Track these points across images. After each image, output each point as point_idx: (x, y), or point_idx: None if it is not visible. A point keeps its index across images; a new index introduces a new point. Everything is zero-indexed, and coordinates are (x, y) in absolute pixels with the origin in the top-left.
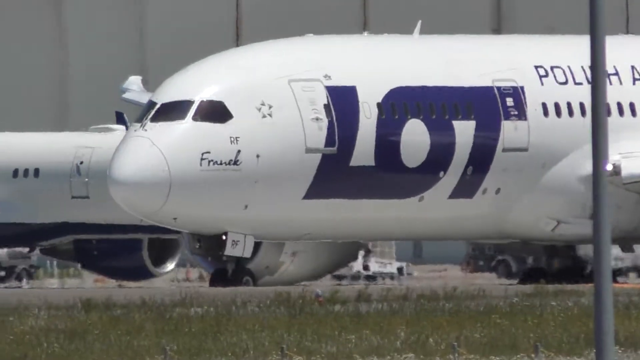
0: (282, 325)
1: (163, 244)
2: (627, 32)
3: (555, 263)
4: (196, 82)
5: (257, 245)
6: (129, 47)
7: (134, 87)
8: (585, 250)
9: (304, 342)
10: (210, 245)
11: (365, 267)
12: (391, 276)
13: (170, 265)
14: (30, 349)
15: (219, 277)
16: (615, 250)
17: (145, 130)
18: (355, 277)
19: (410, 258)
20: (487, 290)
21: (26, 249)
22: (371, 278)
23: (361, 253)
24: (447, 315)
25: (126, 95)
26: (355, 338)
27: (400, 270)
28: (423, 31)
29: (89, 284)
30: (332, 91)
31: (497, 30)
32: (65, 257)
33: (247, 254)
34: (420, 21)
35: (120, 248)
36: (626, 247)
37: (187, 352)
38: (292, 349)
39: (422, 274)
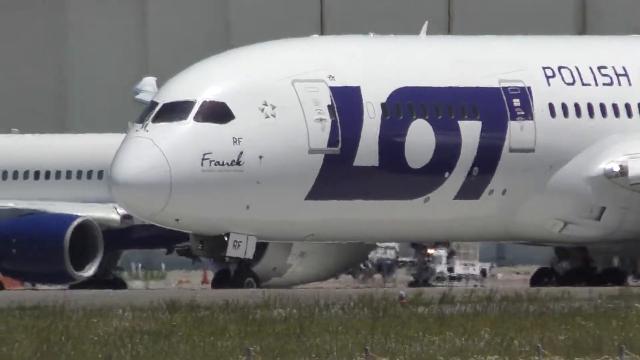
0: (366, 326)
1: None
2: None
3: (565, 264)
4: (198, 83)
5: (263, 247)
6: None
7: (148, 88)
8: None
9: (387, 343)
10: (213, 246)
11: (450, 269)
12: (475, 278)
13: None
14: (114, 350)
15: (222, 279)
16: None
17: (147, 130)
18: (440, 278)
19: (493, 259)
20: (571, 292)
21: (162, 250)
22: (455, 279)
23: (444, 254)
24: (531, 317)
25: (140, 96)
26: (439, 339)
27: (483, 271)
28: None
29: (173, 285)
30: (336, 92)
31: (582, 31)
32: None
33: (249, 254)
34: (426, 22)
35: None
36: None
37: (271, 353)
38: (376, 351)
39: (506, 276)
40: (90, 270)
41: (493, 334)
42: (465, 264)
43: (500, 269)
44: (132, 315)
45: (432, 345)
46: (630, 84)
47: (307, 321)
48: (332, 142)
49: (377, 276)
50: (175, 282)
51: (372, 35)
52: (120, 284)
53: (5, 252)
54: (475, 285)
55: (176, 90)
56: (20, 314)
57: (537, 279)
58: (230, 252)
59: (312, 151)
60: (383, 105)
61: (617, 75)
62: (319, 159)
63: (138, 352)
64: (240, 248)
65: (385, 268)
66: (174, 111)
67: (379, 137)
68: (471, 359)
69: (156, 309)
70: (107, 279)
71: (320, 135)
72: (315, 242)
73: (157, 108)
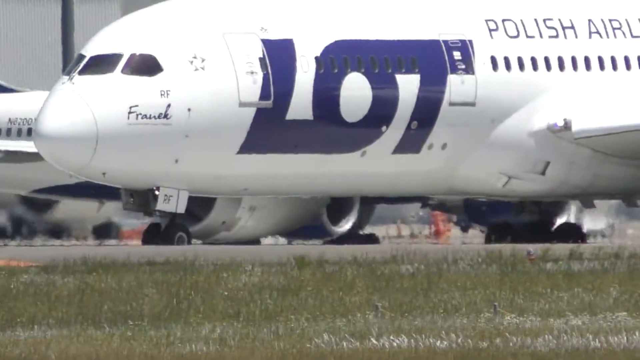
0: (494, 283)
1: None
2: None
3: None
4: (126, 35)
5: (212, 201)
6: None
7: None
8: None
9: (515, 299)
10: (143, 200)
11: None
12: (602, 234)
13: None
14: (243, 305)
15: (153, 233)
16: None
17: (73, 83)
18: None
19: (623, 216)
20: None
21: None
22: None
23: (573, 210)
24: None
25: None
26: (568, 296)
27: (612, 227)
28: None
29: None
30: (268, 44)
31: None
32: (455, 212)
33: (181, 209)
34: None
35: None
36: (587, 203)
37: (398, 308)
38: (504, 307)
39: (636, 232)
40: (346, 226)
41: (621, 291)
42: (594, 220)
43: (629, 224)
44: (261, 270)
45: (560, 301)
46: (576, 37)
47: (435, 277)
48: (263, 95)
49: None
50: None
51: None
52: (374, 240)
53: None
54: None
55: (104, 42)
56: (151, 269)
57: (494, 234)
58: (161, 206)
59: (242, 104)
60: (317, 59)
61: (563, 27)
62: (250, 112)
63: (267, 307)
64: (171, 202)
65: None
66: (102, 64)
67: (313, 91)
68: (600, 315)
69: (285, 264)
70: (359, 235)
71: (252, 88)
72: (266, 197)
73: (84, 61)
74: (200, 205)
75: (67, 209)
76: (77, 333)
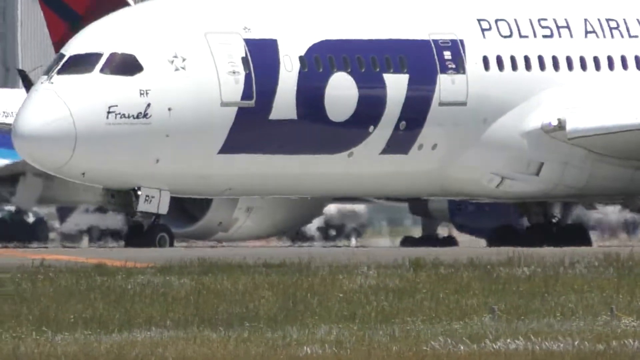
0: (611, 285)
1: None
2: None
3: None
4: (106, 35)
5: (208, 202)
6: None
7: None
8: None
9: (633, 302)
10: (124, 200)
11: None
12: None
13: None
14: (359, 307)
15: (134, 234)
16: None
17: (52, 82)
18: None
19: None
20: None
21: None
22: None
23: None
24: None
25: None
26: None
27: None
28: None
29: None
30: (251, 44)
31: None
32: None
33: (163, 210)
34: None
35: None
36: (587, 204)
37: (515, 311)
38: (622, 310)
39: None
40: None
41: None
42: None
43: None
44: (377, 272)
45: None
46: (572, 36)
47: (551, 280)
48: (246, 95)
49: (622, 235)
50: None
51: None
52: (453, 242)
53: (459, 208)
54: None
55: (84, 42)
56: (266, 271)
57: (496, 237)
58: (142, 207)
59: (224, 104)
60: (301, 58)
61: (558, 27)
62: (232, 112)
63: (383, 309)
64: (153, 203)
65: (630, 226)
66: (81, 63)
67: (297, 90)
68: None
69: (400, 266)
70: (437, 237)
71: (234, 88)
72: (264, 198)
73: (64, 60)
74: (196, 205)
75: None
76: (193, 335)
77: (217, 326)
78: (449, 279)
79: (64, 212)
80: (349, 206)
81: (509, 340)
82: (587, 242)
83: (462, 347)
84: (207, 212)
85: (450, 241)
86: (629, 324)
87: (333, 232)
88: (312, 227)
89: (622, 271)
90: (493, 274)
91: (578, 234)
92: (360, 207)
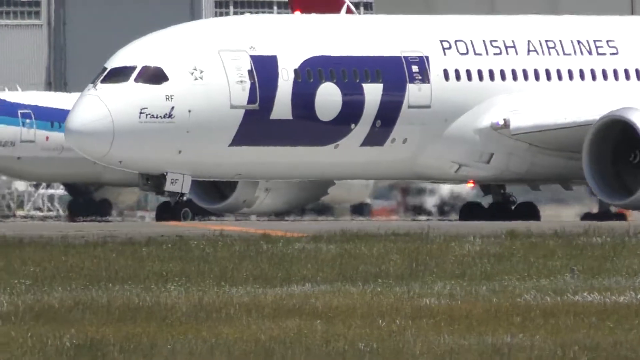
0: None
1: None
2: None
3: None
4: (139, 51)
5: (235, 183)
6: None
7: None
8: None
9: None
10: (157, 182)
11: None
12: None
13: None
14: (467, 268)
15: (164, 209)
16: None
17: (96, 89)
18: None
19: None
20: None
21: None
22: None
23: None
24: None
25: None
26: None
27: None
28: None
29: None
30: (256, 59)
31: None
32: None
33: (186, 190)
34: (346, 3)
35: None
36: (533, 186)
37: (590, 271)
38: None
39: None
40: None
41: None
42: None
43: None
44: (481, 241)
45: None
46: (517, 54)
47: (619, 246)
48: (251, 100)
49: None
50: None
51: (297, 14)
52: (623, 218)
53: None
54: None
55: (121, 57)
56: (395, 239)
57: (467, 212)
58: (169, 187)
59: (233, 107)
60: (296, 71)
61: (506, 46)
62: (240, 113)
63: (486, 270)
64: (177, 184)
65: None
66: (119, 74)
67: (292, 96)
68: None
69: (499, 236)
70: (610, 213)
71: (241, 94)
72: (279, 180)
73: (106, 72)
74: (226, 186)
75: (334, 194)
76: (338, 289)
77: (356, 282)
78: (538, 246)
79: None
80: (457, 188)
81: (585, 294)
82: (537, 217)
83: (548, 299)
84: (234, 192)
85: (621, 217)
86: None
87: (447, 208)
88: (430, 203)
89: None
90: (573, 242)
91: (530, 211)
92: (465, 188)
